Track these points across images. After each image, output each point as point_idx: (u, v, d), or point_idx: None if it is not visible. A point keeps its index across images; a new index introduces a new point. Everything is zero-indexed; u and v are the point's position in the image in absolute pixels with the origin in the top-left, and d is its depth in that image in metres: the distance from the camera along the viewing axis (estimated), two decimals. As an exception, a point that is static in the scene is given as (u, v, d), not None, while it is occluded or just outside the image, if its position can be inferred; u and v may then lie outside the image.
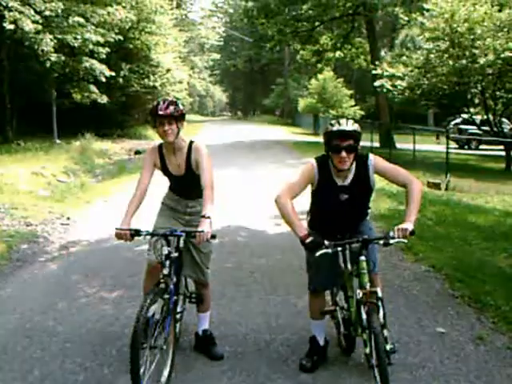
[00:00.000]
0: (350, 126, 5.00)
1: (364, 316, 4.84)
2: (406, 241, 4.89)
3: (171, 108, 5.32)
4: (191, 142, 5.59)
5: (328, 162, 5.18)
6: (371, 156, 5.24)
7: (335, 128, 5.01)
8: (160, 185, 5.93)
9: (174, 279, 5.27)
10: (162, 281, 5.06)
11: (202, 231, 4.99)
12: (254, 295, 7.57)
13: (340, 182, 5.20)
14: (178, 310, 5.65)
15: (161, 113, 5.29)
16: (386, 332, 4.90)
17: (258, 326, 6.50)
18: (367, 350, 4.86)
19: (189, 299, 5.97)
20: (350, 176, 5.18)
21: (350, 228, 5.35)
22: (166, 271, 5.13)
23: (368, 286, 4.92)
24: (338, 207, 5.25)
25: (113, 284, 8.00)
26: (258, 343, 6.06)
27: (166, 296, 5.02)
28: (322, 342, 5.63)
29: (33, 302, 7.36)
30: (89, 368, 5.49)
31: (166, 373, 5.02)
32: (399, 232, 4.80)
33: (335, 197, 5.21)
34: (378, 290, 4.97)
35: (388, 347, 4.84)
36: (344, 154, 4.95)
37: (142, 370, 4.61)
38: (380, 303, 4.91)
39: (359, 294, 4.91)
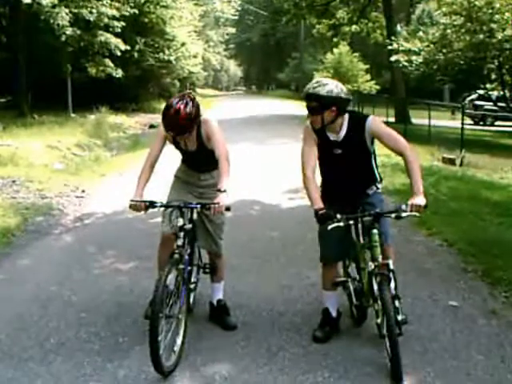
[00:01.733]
0: (312, 88, 5.07)
1: (375, 287, 4.89)
2: (418, 214, 4.91)
3: (184, 123, 5.18)
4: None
5: None
6: (370, 117, 5.29)
7: (305, 89, 5.16)
8: (170, 156, 5.97)
9: (188, 250, 5.33)
10: (176, 251, 5.11)
11: (218, 203, 5.02)
12: (267, 267, 7.63)
13: (332, 137, 5.26)
14: (192, 280, 5.72)
15: (171, 133, 5.32)
16: (397, 303, 4.91)
17: (272, 297, 6.55)
18: (378, 321, 4.92)
19: (203, 270, 6.02)
20: (343, 133, 5.23)
21: (358, 196, 5.39)
22: (180, 242, 5.17)
23: (380, 258, 4.95)
24: (334, 163, 5.33)
25: (127, 255, 8.07)
26: (272, 314, 6.12)
27: (181, 266, 5.08)
28: (334, 314, 5.67)
29: (48, 273, 7.45)
30: (104, 337, 5.56)
31: (179, 342, 5.08)
32: (413, 207, 4.82)
33: (330, 151, 5.28)
34: (390, 261, 5.00)
35: (399, 318, 4.87)
36: (310, 115, 5.16)
37: (159, 339, 4.67)
38: (391, 275, 4.95)
39: (371, 265, 4.96)
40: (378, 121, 5.30)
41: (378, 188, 5.54)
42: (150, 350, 4.58)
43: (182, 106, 5.13)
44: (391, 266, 4.97)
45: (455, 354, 5.18)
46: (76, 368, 4.95)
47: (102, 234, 9.36)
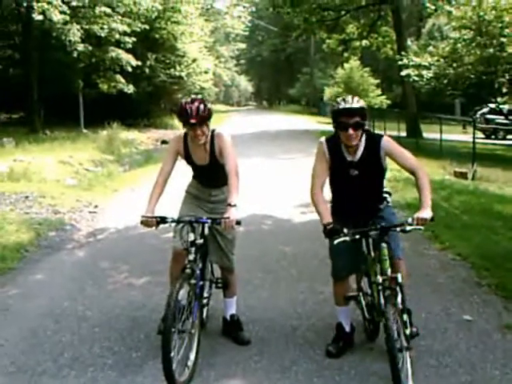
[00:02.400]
0: (355, 103, 5.10)
1: (382, 301, 4.89)
2: (422, 228, 4.92)
3: (201, 112, 5.31)
4: (213, 131, 5.61)
5: (337, 139, 5.28)
6: (385, 137, 5.36)
7: (341, 106, 5.11)
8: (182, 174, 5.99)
9: (200, 265, 5.34)
10: (188, 267, 5.12)
11: (228, 217, 5.04)
12: (280, 282, 7.61)
13: (349, 158, 5.27)
14: (205, 295, 5.73)
15: (192, 121, 5.30)
16: (405, 316, 4.90)
17: (285, 312, 6.54)
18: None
19: (215, 285, 6.03)
20: (359, 152, 5.25)
21: (369, 212, 5.41)
22: (191, 257, 5.19)
23: (389, 271, 4.96)
24: (349, 183, 5.35)
25: (140, 270, 8.08)
26: (285, 329, 6.11)
27: (193, 281, 5.08)
28: (348, 329, 5.66)
29: (62, 288, 7.48)
30: (117, 352, 5.57)
31: (192, 357, 5.08)
32: (418, 220, 4.83)
33: (346, 172, 5.30)
34: (399, 275, 4.97)
35: (407, 331, 4.86)
36: (351, 131, 5.07)
37: (171, 354, 4.67)
38: (399, 289, 4.93)
39: (379, 279, 4.97)
40: (391, 140, 5.36)
41: (388, 202, 5.60)
42: (162, 365, 4.58)
43: (197, 104, 5.33)
44: (399, 280, 4.95)
45: (470, 369, 5.15)
46: (90, 383, 4.97)
47: (114, 249, 9.38)
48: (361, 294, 5.69)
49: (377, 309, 5.15)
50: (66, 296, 7.16)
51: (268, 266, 8.27)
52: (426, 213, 4.85)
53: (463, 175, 17.41)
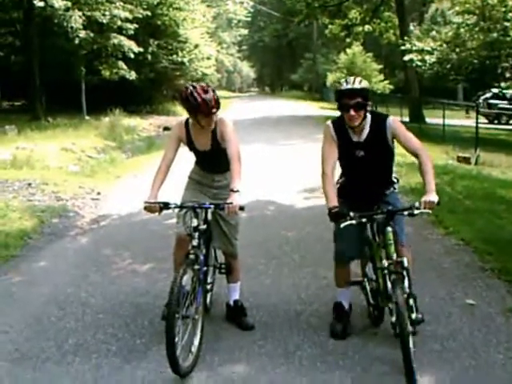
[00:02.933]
0: (357, 83, 5.10)
1: (389, 285, 4.89)
2: (430, 211, 4.90)
3: (209, 102, 5.21)
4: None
5: (343, 121, 5.28)
6: (391, 117, 5.33)
7: (343, 87, 5.13)
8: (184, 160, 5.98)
9: (204, 251, 5.34)
10: (191, 252, 5.12)
11: (231, 203, 5.04)
12: (283, 267, 7.61)
13: (355, 139, 5.28)
14: (208, 280, 5.74)
15: (201, 114, 5.27)
16: (411, 301, 4.91)
17: (288, 298, 6.56)
18: (393, 319, 4.89)
19: (219, 270, 6.04)
20: (365, 132, 5.26)
21: (374, 196, 5.41)
22: (195, 243, 5.19)
23: (394, 256, 4.95)
24: (355, 165, 5.35)
25: (143, 257, 8.09)
26: (289, 314, 6.11)
27: (196, 267, 5.08)
28: (347, 307, 5.72)
29: (65, 275, 7.49)
30: (121, 339, 5.58)
31: (196, 342, 5.08)
32: (426, 204, 4.82)
33: (352, 153, 5.31)
34: (404, 259, 4.97)
35: (413, 316, 4.88)
36: (352, 111, 5.07)
37: (175, 340, 4.68)
38: (406, 273, 4.94)
39: (385, 263, 4.96)
40: (397, 120, 5.36)
41: (395, 188, 5.60)
42: (166, 351, 4.58)
43: (203, 93, 5.23)
44: (405, 264, 4.95)
45: (474, 353, 5.16)
46: (94, 369, 4.98)
47: (117, 235, 9.38)
48: (365, 279, 5.70)
49: (382, 294, 5.15)
50: (70, 283, 7.17)
51: (271, 252, 8.27)
52: (433, 196, 4.85)
53: (466, 160, 17.40)
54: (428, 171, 5.03)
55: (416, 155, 5.17)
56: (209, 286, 5.78)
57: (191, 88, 5.28)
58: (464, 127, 24.51)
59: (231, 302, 5.98)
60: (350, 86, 5.08)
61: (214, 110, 5.30)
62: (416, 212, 4.87)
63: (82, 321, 6.02)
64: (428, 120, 29.50)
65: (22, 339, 5.60)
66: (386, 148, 5.30)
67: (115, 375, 4.90)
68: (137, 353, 5.27)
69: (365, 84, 5.16)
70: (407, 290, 4.88)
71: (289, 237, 9.05)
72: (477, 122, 19.98)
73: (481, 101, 34.24)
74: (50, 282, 7.20)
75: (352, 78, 5.18)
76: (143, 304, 6.41)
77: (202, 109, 5.22)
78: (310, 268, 7.50)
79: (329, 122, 5.41)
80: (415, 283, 5.12)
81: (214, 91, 5.32)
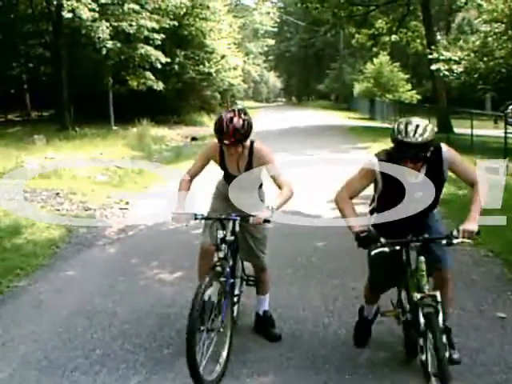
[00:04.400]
0: (419, 136, 4.40)
1: (421, 320, 4.53)
2: (471, 241, 4.59)
3: (238, 132, 5.07)
4: (252, 143, 5.43)
5: (395, 157, 4.63)
6: (444, 148, 4.72)
7: (400, 137, 4.45)
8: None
9: (230, 262, 5.31)
10: (217, 264, 5.11)
11: (255, 216, 5.00)
12: (311, 278, 7.55)
13: (412, 180, 4.68)
14: (236, 292, 5.69)
15: (226, 142, 5.10)
16: (444, 338, 4.46)
17: (316, 309, 6.51)
18: (423, 357, 4.60)
19: (246, 282, 6.00)
20: (423, 171, 4.68)
21: (417, 222, 4.90)
22: (221, 254, 5.18)
23: (426, 288, 4.58)
24: (409, 205, 4.73)
25: (171, 267, 8.09)
26: (317, 325, 6.06)
27: (223, 279, 5.05)
28: (370, 317, 5.61)
29: (92, 285, 7.51)
30: (148, 349, 5.57)
31: (224, 354, 5.06)
32: (464, 233, 4.46)
33: (409, 195, 4.69)
34: (437, 293, 4.56)
35: (447, 354, 4.43)
36: (410, 163, 4.52)
37: (199, 353, 4.67)
38: (439, 307, 4.51)
39: (416, 296, 4.57)
40: (451, 150, 4.77)
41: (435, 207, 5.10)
42: (188, 366, 4.56)
43: (233, 115, 5.11)
44: (438, 298, 4.53)
45: (505, 368, 5.07)
46: (122, 380, 4.98)
47: (145, 245, 9.40)
48: (399, 310, 5.27)
49: (415, 327, 4.72)
50: (97, 292, 7.19)
51: (299, 262, 8.23)
52: (473, 225, 4.49)
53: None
54: (478, 201, 4.63)
55: (472, 185, 4.75)
56: (236, 298, 5.73)
57: (221, 115, 5.18)
58: (492, 137, 24.27)
59: (260, 313, 5.94)
60: (409, 140, 4.40)
61: (239, 139, 5.13)
62: (455, 242, 4.49)
63: (108, 331, 6.02)
64: (456, 130, 29.26)
65: (51, 348, 5.62)
66: (441, 180, 4.80)
67: (143, 386, 4.89)
68: (164, 364, 5.26)
69: (429, 134, 4.44)
70: (441, 326, 4.48)
71: (316, 247, 9.01)
72: (505, 132, 19.75)
73: (509, 110, 33.90)
74: (78, 292, 7.23)
75: (414, 126, 4.46)
76: (171, 314, 6.39)
77: (225, 137, 5.09)
78: (338, 279, 7.44)
79: (374, 160, 4.76)
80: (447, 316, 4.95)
81: (245, 120, 5.12)
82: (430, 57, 27.39)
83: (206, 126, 37.71)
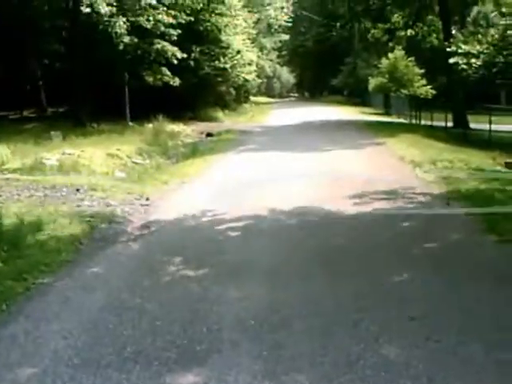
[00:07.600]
0: None
1: None
2: None
3: None
4: None
5: None
6: None
7: None
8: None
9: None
10: None
11: None
12: (340, 275, 7.48)
13: None
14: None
15: None
16: None
17: (346, 305, 6.45)
18: None
19: None
20: None
21: None
22: None
23: None
24: None
25: (196, 262, 8.02)
26: (347, 322, 5.99)
27: None
28: None
29: (119, 281, 7.50)
30: (180, 346, 5.50)
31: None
32: None
33: None
34: None
35: None
36: None
37: None
38: None
39: None
40: None
41: None
42: None
43: None
44: None
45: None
46: (156, 376, 4.93)
47: (168, 241, 9.36)
48: None
49: None
50: (124, 288, 7.16)
51: (326, 259, 8.14)
52: None
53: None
54: None
55: None
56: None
57: None
58: (510, 132, 24.14)
59: None
60: None
61: None
62: None
63: (138, 328, 5.96)
64: (472, 125, 29.13)
65: (81, 345, 5.58)
66: None
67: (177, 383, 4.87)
68: (197, 360, 5.20)
69: None
70: None
71: (342, 244, 8.93)
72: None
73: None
74: (105, 288, 7.21)
75: None
76: (200, 309, 6.34)
77: None
78: (366, 275, 7.35)
79: None
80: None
81: None
82: (448, 50, 27.19)
83: (221, 121, 37.72)
